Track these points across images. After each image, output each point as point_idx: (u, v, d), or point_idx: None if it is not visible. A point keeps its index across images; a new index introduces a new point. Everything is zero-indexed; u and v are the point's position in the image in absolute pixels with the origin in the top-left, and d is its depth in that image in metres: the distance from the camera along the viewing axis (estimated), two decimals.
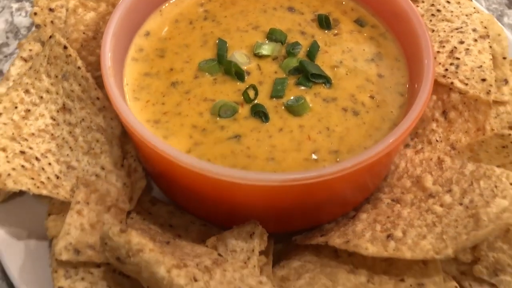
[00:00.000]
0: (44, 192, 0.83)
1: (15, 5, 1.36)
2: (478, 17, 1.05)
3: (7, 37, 1.30)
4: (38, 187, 0.82)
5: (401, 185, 0.89)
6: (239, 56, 0.93)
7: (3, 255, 0.85)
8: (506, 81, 1.01)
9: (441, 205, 0.81)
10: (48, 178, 0.85)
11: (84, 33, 1.00)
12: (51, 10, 1.05)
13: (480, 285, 0.80)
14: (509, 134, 0.84)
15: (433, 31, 1.04)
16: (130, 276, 0.77)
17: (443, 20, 1.06)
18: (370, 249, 0.76)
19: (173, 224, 0.89)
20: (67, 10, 1.01)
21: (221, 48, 0.93)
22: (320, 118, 0.86)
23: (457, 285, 0.79)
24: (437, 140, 0.96)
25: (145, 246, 0.69)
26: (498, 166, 0.85)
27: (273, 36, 0.95)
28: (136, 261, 0.68)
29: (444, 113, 0.97)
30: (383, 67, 0.93)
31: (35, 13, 1.04)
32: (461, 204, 0.79)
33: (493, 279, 0.79)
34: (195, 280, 0.69)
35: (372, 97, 0.89)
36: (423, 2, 1.10)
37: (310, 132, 0.85)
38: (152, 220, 0.89)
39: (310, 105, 0.88)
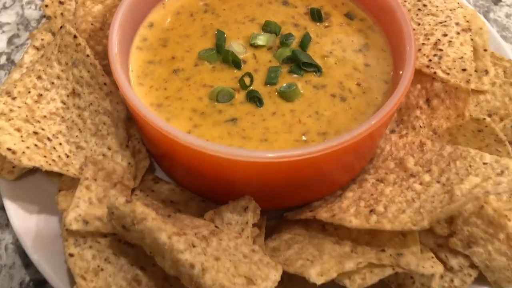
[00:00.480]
0: (56, 169, 0.89)
1: None
2: (461, 12, 1.11)
3: (18, 29, 1.37)
4: (50, 164, 0.89)
5: (385, 167, 0.96)
6: (236, 46, 1.00)
7: (17, 228, 0.92)
8: (486, 72, 1.08)
9: (421, 183, 0.88)
10: (59, 156, 0.92)
11: (92, 24, 1.07)
12: (61, 2, 1.12)
13: (455, 256, 0.87)
14: (484, 119, 0.91)
15: (419, 24, 1.11)
16: (134, 245, 0.84)
17: (428, 14, 1.12)
18: (354, 222, 0.83)
19: (174, 200, 0.96)
20: (76, 2, 1.08)
21: (220, 38, 1.00)
22: (310, 103, 0.93)
23: (433, 255, 0.85)
24: (420, 126, 1.02)
25: (148, 215, 0.76)
26: (475, 149, 0.92)
27: (268, 28, 1.02)
28: (140, 229, 0.75)
29: (428, 101, 1.03)
30: (370, 57, 1.00)
31: (46, 6, 1.11)
32: (438, 182, 0.86)
33: (466, 251, 0.86)
34: (193, 246, 0.76)
35: (358, 84, 0.96)
36: None
37: (301, 116, 0.92)
38: (155, 197, 0.96)
39: (301, 91, 0.95)
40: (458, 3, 1.13)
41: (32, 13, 1.41)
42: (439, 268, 0.82)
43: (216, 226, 0.87)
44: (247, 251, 0.81)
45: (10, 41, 1.34)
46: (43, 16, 1.37)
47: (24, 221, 0.94)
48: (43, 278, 0.98)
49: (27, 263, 1.00)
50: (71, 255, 0.81)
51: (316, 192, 0.95)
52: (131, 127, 1.01)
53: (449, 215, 0.80)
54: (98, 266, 0.81)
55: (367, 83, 0.96)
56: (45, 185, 0.99)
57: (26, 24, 1.38)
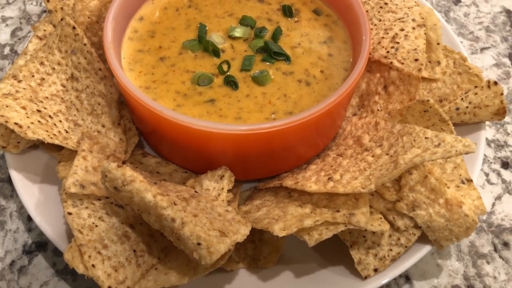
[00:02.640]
0: (56, 142, 1.02)
1: None
2: (417, 10, 1.25)
3: (21, 23, 1.49)
4: (51, 137, 1.02)
5: (345, 144, 1.10)
6: (216, 37, 1.13)
7: (22, 195, 1.04)
8: (438, 63, 1.21)
9: (373, 156, 1.01)
10: (59, 131, 1.05)
11: (89, 17, 1.20)
12: None
13: (401, 218, 1.00)
14: (428, 100, 1.05)
15: (380, 20, 1.25)
16: (124, 207, 0.97)
17: (389, 11, 1.26)
18: (313, 187, 0.97)
19: (160, 172, 1.09)
20: None
21: (201, 30, 1.13)
22: (279, 87, 1.07)
23: (382, 217, 0.99)
24: (378, 110, 1.16)
25: (136, 178, 0.88)
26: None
27: (244, 22, 1.15)
28: (129, 189, 0.87)
29: (385, 87, 1.17)
30: (333, 48, 1.14)
31: (48, 0, 1.24)
32: (387, 154, 1.00)
33: (411, 213, 0.99)
34: (175, 204, 0.89)
35: (322, 71, 1.10)
36: None
37: (271, 98, 1.05)
38: (143, 169, 1.09)
39: (272, 77, 1.08)
40: (415, 2, 1.27)
41: (33, 8, 1.53)
42: (385, 227, 0.95)
43: (196, 191, 1.00)
44: (221, 211, 0.95)
45: (13, 34, 1.46)
46: (44, 11, 1.50)
47: (28, 189, 1.05)
48: (43, 241, 1.10)
49: (30, 227, 1.13)
50: (70, 213, 0.94)
51: (284, 164, 1.08)
52: (122, 109, 1.14)
53: (392, 179, 0.92)
54: (93, 223, 0.94)
55: (330, 71, 1.10)
56: (46, 159, 1.10)
57: (28, 18, 1.51)
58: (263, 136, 0.95)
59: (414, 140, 0.99)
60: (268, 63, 1.10)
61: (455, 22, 1.53)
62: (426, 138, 0.98)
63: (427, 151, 0.93)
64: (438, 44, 1.23)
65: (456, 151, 0.90)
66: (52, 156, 1.11)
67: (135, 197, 0.88)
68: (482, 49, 1.47)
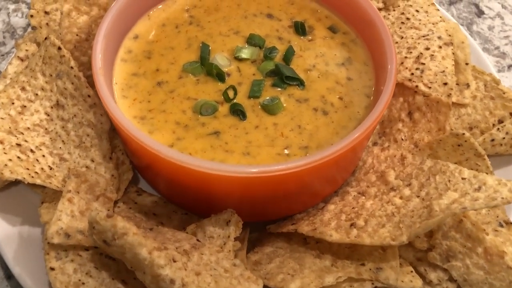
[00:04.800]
0: (38, 181, 0.90)
1: (11, 6, 1.43)
2: (443, 26, 1.13)
3: (4, 37, 1.37)
4: (32, 176, 0.89)
5: (367, 179, 0.97)
6: (220, 59, 1.00)
7: None
8: (467, 85, 1.09)
9: (401, 198, 0.89)
10: (42, 168, 0.93)
11: (77, 35, 1.07)
12: (46, 13, 1.12)
13: (434, 270, 0.88)
14: (463, 134, 0.92)
15: (402, 38, 1.13)
16: (115, 259, 0.85)
17: (411, 27, 1.14)
18: (334, 235, 0.84)
19: (156, 213, 0.96)
20: (61, 13, 1.08)
21: (204, 51, 1.00)
22: (293, 117, 0.94)
23: (412, 269, 0.87)
24: (402, 139, 1.04)
25: (129, 230, 0.76)
26: (455, 163, 0.93)
27: (252, 41, 1.03)
28: (121, 243, 0.76)
29: (410, 114, 1.05)
30: (352, 71, 1.01)
31: (32, 16, 1.11)
32: (418, 196, 0.87)
33: (445, 265, 0.87)
34: (174, 261, 0.76)
35: (340, 98, 0.97)
36: (394, 10, 1.18)
37: (283, 129, 0.93)
38: (137, 209, 0.96)
39: (284, 105, 0.95)
40: (440, 17, 1.15)
41: (18, 21, 1.40)
42: (417, 283, 0.84)
43: (198, 240, 0.87)
44: (228, 265, 0.82)
45: None
46: (30, 24, 1.37)
47: (6, 232, 0.93)
48: None
49: (9, 275, 1.00)
50: (52, 269, 0.81)
51: (298, 204, 0.96)
52: (115, 138, 1.01)
53: (428, 230, 0.81)
54: (79, 280, 0.81)
55: (349, 97, 0.97)
56: (28, 196, 0.98)
57: (12, 32, 1.38)
58: (276, 179, 0.82)
59: (449, 181, 0.87)
60: (279, 89, 0.97)
61: (479, 37, 1.41)
62: (463, 179, 0.86)
63: (466, 196, 0.81)
64: (466, 64, 1.12)
65: (502, 198, 0.78)
66: (36, 192, 0.98)
67: (127, 253, 0.76)
68: (510, 66, 1.35)
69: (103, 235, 0.77)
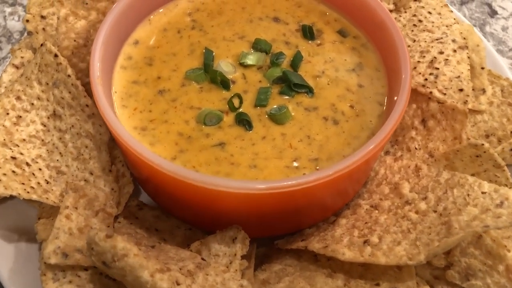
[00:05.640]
0: (34, 197, 0.85)
1: (8, 9, 1.39)
2: (457, 28, 1.08)
3: (0, 41, 1.32)
4: (28, 192, 0.85)
5: (379, 192, 0.92)
6: (224, 66, 0.96)
7: None
8: (483, 91, 1.05)
9: (416, 212, 0.84)
10: (38, 183, 0.88)
11: (75, 40, 1.02)
12: (43, 17, 1.07)
13: None
14: (482, 144, 0.87)
15: (414, 41, 1.08)
16: (116, 279, 0.80)
17: (424, 30, 1.09)
18: (347, 254, 0.80)
19: (159, 228, 0.92)
20: (58, 18, 1.03)
21: (208, 57, 0.96)
22: (302, 127, 0.89)
23: None
24: (416, 148, 0.99)
25: (129, 251, 0.71)
26: (472, 175, 0.89)
27: (258, 46, 0.98)
28: (121, 266, 0.71)
29: (423, 121, 1.00)
30: (363, 77, 0.96)
31: (27, 20, 1.06)
32: (435, 211, 0.83)
33: (464, 284, 0.82)
34: (178, 284, 0.72)
35: (352, 106, 0.92)
36: (405, 12, 1.13)
37: (292, 140, 0.88)
38: (139, 225, 0.91)
39: (292, 114, 0.91)
40: (454, 19, 1.10)
41: (15, 24, 1.36)
42: None
43: (202, 259, 0.82)
44: (235, 286, 0.77)
45: None
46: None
47: (2, 249, 0.89)
48: None
49: None
50: None
51: (308, 219, 0.91)
52: (114, 148, 0.97)
53: (448, 249, 0.76)
54: None
55: (361, 105, 0.92)
56: (25, 211, 0.94)
57: (9, 36, 1.33)
58: (285, 195, 0.78)
59: (468, 195, 0.82)
60: (287, 97, 0.93)
61: (492, 38, 1.36)
62: (483, 193, 0.81)
63: (487, 213, 0.77)
64: (482, 68, 1.07)
65: None
66: (32, 207, 0.94)
67: (128, 276, 0.72)
68: None
69: (102, 256, 0.72)
